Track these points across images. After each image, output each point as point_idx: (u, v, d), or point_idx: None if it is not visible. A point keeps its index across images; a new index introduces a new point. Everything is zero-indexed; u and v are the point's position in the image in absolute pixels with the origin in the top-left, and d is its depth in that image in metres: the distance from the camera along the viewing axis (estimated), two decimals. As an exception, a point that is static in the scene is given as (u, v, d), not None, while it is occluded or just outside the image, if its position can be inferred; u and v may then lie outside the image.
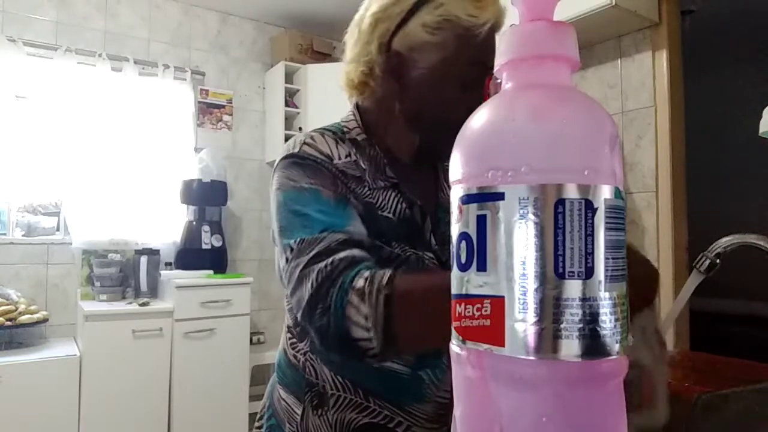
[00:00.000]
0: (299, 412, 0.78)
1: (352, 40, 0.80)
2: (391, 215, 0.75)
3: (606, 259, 0.28)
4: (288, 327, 0.83)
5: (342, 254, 0.62)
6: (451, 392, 0.33)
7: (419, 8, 0.73)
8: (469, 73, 0.73)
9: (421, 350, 0.71)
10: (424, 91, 0.75)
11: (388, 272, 0.58)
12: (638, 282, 0.48)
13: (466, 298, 0.30)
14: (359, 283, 0.58)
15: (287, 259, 0.66)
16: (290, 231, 0.67)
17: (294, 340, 0.81)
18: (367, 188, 0.74)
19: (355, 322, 0.57)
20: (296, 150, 0.73)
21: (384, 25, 0.75)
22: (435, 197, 0.83)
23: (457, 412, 0.31)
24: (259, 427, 0.86)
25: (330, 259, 0.61)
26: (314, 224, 0.66)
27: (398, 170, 0.78)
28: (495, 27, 0.72)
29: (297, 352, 0.80)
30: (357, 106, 0.82)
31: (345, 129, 0.80)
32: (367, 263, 0.62)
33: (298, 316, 0.64)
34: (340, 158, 0.74)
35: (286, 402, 0.80)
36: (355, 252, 0.63)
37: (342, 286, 0.59)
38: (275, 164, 0.75)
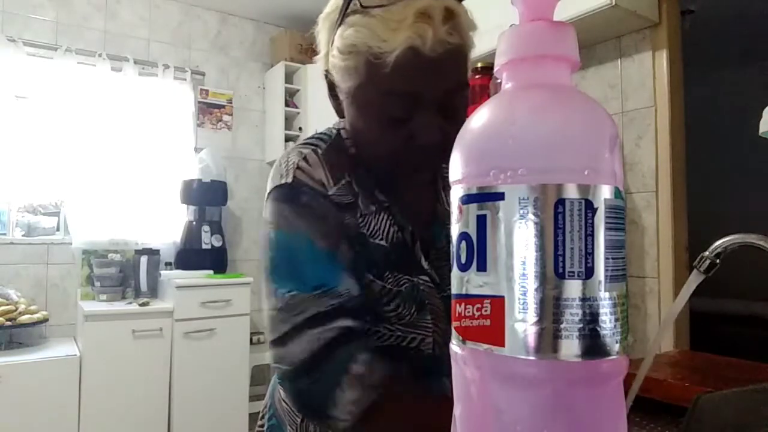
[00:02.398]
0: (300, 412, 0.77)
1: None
2: (383, 242, 0.72)
3: (606, 259, 0.28)
4: None
5: (337, 324, 0.62)
6: (452, 394, 0.33)
7: (336, 29, 0.67)
8: (390, 105, 0.64)
9: None
10: (351, 116, 0.70)
11: (385, 370, 0.61)
12: None
13: (466, 298, 0.30)
14: (354, 368, 0.60)
15: (273, 306, 0.66)
16: (281, 278, 0.66)
17: None
18: (359, 215, 0.72)
19: (337, 405, 0.59)
20: (289, 179, 0.69)
21: (325, 38, 0.72)
22: (432, 211, 0.79)
23: (457, 412, 0.31)
24: (261, 427, 0.86)
25: (323, 329, 0.62)
26: (307, 278, 0.65)
27: (391, 185, 0.74)
28: (415, 49, 0.60)
29: None
30: None
31: (343, 132, 0.77)
32: (362, 342, 0.63)
33: (276, 369, 0.65)
34: (333, 184, 0.71)
35: (287, 403, 0.80)
36: (349, 323, 0.63)
37: (337, 365, 0.60)
38: (269, 189, 0.72)
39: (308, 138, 0.77)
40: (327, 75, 0.72)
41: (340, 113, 0.75)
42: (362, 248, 0.70)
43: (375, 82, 0.63)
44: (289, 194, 0.69)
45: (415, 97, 0.64)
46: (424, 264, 0.74)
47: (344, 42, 0.65)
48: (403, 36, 0.60)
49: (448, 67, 0.63)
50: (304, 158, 0.71)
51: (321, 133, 0.78)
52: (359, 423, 0.58)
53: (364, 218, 0.72)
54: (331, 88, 0.73)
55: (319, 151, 0.73)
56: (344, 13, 0.66)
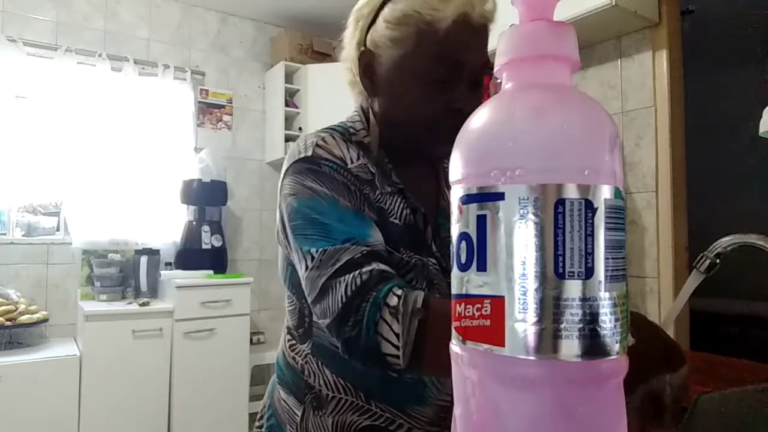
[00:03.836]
0: (299, 413, 0.77)
1: (345, 38, 0.81)
2: (397, 221, 0.75)
3: (606, 259, 0.28)
4: (287, 328, 0.83)
5: (369, 267, 0.62)
6: (452, 395, 0.33)
7: (385, 4, 0.73)
8: (437, 68, 0.70)
9: (442, 376, 0.71)
10: (392, 88, 0.74)
11: (421, 294, 0.59)
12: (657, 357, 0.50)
13: (466, 298, 0.30)
14: (393, 300, 0.59)
15: (307, 267, 0.66)
16: (310, 239, 0.67)
17: (293, 342, 0.81)
18: (378, 192, 0.74)
19: (386, 339, 0.58)
20: (309, 153, 0.72)
21: (360, 24, 0.76)
22: (436, 203, 0.83)
23: (457, 412, 0.31)
24: (260, 427, 0.86)
25: (358, 272, 0.62)
26: (336, 234, 0.65)
27: (401, 175, 0.78)
28: (463, 19, 0.68)
29: (296, 354, 0.80)
30: (361, 105, 0.82)
31: (351, 130, 0.79)
32: (397, 280, 0.63)
33: (324, 323, 0.64)
34: (352, 161, 0.73)
35: (287, 403, 0.80)
36: (381, 266, 0.63)
37: (375, 302, 0.59)
38: (286, 167, 0.74)
39: (320, 129, 0.79)
40: (362, 55, 0.75)
41: (373, 92, 0.77)
42: (381, 222, 0.72)
43: (424, 48, 0.69)
44: (309, 166, 0.71)
45: (460, 64, 0.70)
46: (434, 247, 0.76)
47: (395, 13, 0.71)
48: (454, 5, 0.67)
49: (484, 41, 0.71)
50: (322, 139, 0.74)
51: (333, 125, 0.80)
52: (415, 354, 0.57)
53: (382, 196, 0.75)
54: (367, 66, 0.76)
55: (336, 135, 0.76)
56: None
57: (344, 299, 0.61)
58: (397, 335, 0.57)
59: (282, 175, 0.75)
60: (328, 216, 0.67)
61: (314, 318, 0.76)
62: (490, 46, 0.73)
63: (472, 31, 0.69)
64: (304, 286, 0.68)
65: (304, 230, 0.68)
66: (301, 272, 0.68)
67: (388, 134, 0.77)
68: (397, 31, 0.71)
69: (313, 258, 0.65)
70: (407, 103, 0.73)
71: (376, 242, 0.67)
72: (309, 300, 0.67)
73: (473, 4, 0.68)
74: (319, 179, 0.70)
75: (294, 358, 0.80)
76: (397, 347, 0.57)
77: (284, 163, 0.75)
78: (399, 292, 0.59)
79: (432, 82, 0.70)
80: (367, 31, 0.75)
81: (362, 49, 0.76)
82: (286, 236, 0.73)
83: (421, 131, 0.73)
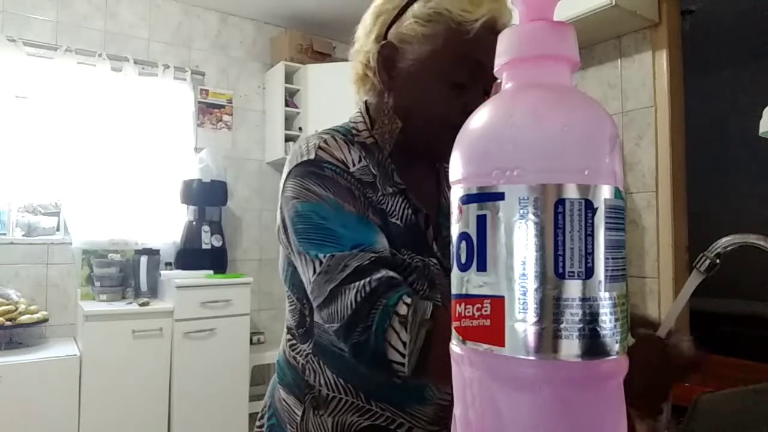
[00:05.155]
0: (299, 413, 0.77)
1: (359, 34, 0.81)
2: (398, 222, 0.75)
3: (606, 259, 0.28)
4: (288, 328, 0.83)
5: (378, 275, 0.63)
6: (452, 395, 0.33)
7: (414, 1, 0.73)
8: (460, 70, 0.71)
9: (444, 384, 0.71)
10: (411, 83, 0.75)
11: (430, 306, 0.60)
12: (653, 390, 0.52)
13: (466, 298, 0.30)
14: (402, 309, 0.60)
15: (315, 272, 0.66)
16: (317, 244, 0.67)
17: (294, 341, 0.81)
18: (380, 194, 0.75)
19: (393, 346, 0.59)
20: (311, 156, 0.72)
21: (382, 18, 0.77)
22: (437, 202, 0.83)
23: (457, 412, 0.31)
24: (260, 427, 0.86)
25: (368, 279, 0.62)
26: (343, 240, 0.66)
27: (403, 175, 0.78)
28: (491, 24, 0.69)
29: (297, 353, 0.80)
30: (365, 103, 0.83)
31: (354, 131, 0.79)
32: (405, 288, 0.64)
33: (331, 328, 0.65)
34: (354, 164, 0.74)
35: (287, 402, 0.80)
36: (390, 273, 0.64)
37: (385, 310, 0.60)
38: (288, 169, 0.74)
39: (322, 130, 0.79)
40: (383, 48, 0.76)
41: (390, 86, 0.77)
42: (383, 223, 0.73)
43: (451, 48, 0.70)
44: (311, 169, 0.71)
45: (481, 67, 0.70)
46: (435, 247, 0.77)
47: (426, 10, 0.72)
48: (486, 8, 0.69)
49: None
50: (324, 141, 0.74)
51: (335, 126, 0.80)
52: (420, 363, 0.58)
53: (383, 197, 0.75)
54: (387, 59, 0.76)
55: (338, 136, 0.76)
56: None
57: (354, 305, 0.62)
58: (404, 344, 0.59)
59: (284, 176, 0.75)
60: (333, 221, 0.68)
61: (315, 318, 0.76)
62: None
63: (496, 35, 0.71)
64: (309, 290, 0.68)
65: (308, 234, 0.68)
66: (308, 276, 0.68)
67: (399, 128, 0.78)
68: (427, 28, 0.72)
69: (321, 263, 0.65)
70: (425, 99, 0.74)
71: (383, 248, 0.67)
72: (315, 304, 0.68)
73: (501, 11, 0.70)
74: (322, 183, 0.70)
75: (295, 358, 0.80)
76: (403, 355, 0.59)
77: (286, 164, 0.75)
78: (408, 300, 0.61)
79: (452, 81, 0.71)
80: (389, 27, 0.76)
81: (383, 42, 0.76)
82: (288, 237, 0.73)
83: (434, 129, 0.74)
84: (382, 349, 0.60)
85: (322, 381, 0.76)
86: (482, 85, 0.72)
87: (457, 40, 0.70)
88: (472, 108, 0.73)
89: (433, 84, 0.73)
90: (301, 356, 0.79)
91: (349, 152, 0.74)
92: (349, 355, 0.64)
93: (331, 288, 0.64)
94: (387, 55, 0.76)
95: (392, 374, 0.60)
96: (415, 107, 0.75)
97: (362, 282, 0.62)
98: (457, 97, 0.71)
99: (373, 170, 0.75)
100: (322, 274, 0.65)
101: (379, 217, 0.73)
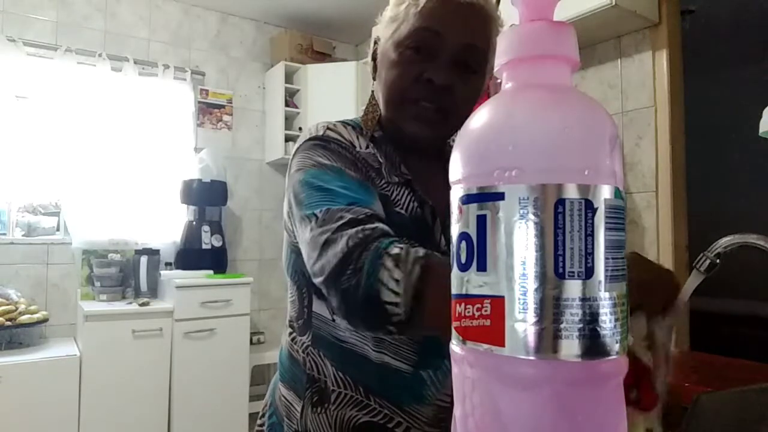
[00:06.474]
0: (299, 408, 0.78)
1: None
2: (403, 212, 0.75)
3: (606, 259, 0.28)
4: (289, 321, 0.83)
5: (373, 225, 0.61)
6: (451, 396, 0.33)
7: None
8: (418, 36, 0.73)
9: (442, 329, 0.69)
10: (382, 66, 0.78)
11: (422, 249, 0.57)
12: (657, 287, 0.50)
13: (466, 298, 0.30)
14: (394, 250, 0.57)
15: (311, 228, 0.64)
16: (314, 203, 0.66)
17: (294, 334, 0.81)
18: (384, 181, 0.76)
19: (386, 285, 0.55)
20: (320, 133, 0.75)
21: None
22: (446, 197, 0.82)
23: (457, 412, 0.31)
24: (261, 425, 0.86)
25: (361, 227, 0.60)
26: (340, 198, 0.65)
27: (411, 167, 0.79)
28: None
29: (298, 346, 0.80)
30: (372, 90, 0.86)
31: (363, 124, 0.82)
32: (398, 239, 0.61)
33: (321, 280, 0.62)
34: (361, 147, 0.77)
35: (287, 399, 0.80)
36: (385, 227, 0.62)
37: (376, 251, 0.57)
38: (296, 148, 0.77)
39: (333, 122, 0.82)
40: (374, 44, 0.82)
41: (374, 76, 0.83)
42: (384, 209, 0.71)
43: (410, 21, 0.74)
44: (317, 143, 0.75)
45: (437, 36, 0.72)
46: (442, 242, 0.76)
47: None
48: None
49: (470, 20, 0.73)
50: (333, 124, 0.78)
51: (346, 119, 0.83)
52: (416, 302, 0.54)
53: (388, 185, 0.76)
54: (374, 53, 0.82)
55: (347, 125, 0.80)
56: None
57: (345, 250, 0.59)
58: (397, 281, 0.54)
59: (291, 157, 0.78)
60: (333, 183, 0.68)
61: (314, 308, 0.77)
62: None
63: (455, 6, 0.72)
64: (306, 254, 0.66)
65: (309, 199, 0.68)
66: (305, 237, 0.66)
67: (379, 115, 0.81)
68: (392, 11, 0.77)
69: (316, 219, 0.64)
70: (387, 78, 0.76)
71: (379, 211, 0.67)
72: (309, 264, 0.65)
73: None
74: (327, 154, 0.73)
75: (296, 351, 0.80)
76: (397, 294, 0.54)
77: (294, 147, 0.78)
78: (402, 245, 0.58)
79: (408, 51, 0.74)
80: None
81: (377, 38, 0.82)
82: (292, 216, 0.73)
83: (395, 104, 0.76)
84: (375, 290, 0.55)
85: (324, 373, 0.77)
86: (444, 55, 0.73)
87: (413, 12, 0.73)
88: (428, 74, 0.71)
89: (393, 57, 0.75)
90: (301, 349, 0.79)
91: (357, 138, 0.78)
92: (338, 309, 0.61)
93: (324, 238, 0.62)
94: (374, 48, 0.81)
95: (387, 321, 0.56)
96: (384, 89, 0.78)
97: (356, 229, 0.60)
98: (412, 64, 0.73)
99: (380, 158, 0.78)
100: (316, 228, 0.64)
101: (382, 201, 0.72)
